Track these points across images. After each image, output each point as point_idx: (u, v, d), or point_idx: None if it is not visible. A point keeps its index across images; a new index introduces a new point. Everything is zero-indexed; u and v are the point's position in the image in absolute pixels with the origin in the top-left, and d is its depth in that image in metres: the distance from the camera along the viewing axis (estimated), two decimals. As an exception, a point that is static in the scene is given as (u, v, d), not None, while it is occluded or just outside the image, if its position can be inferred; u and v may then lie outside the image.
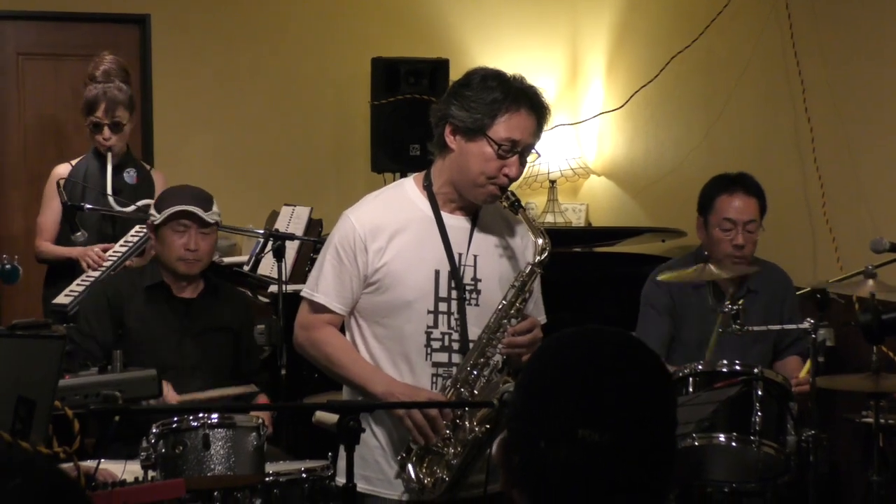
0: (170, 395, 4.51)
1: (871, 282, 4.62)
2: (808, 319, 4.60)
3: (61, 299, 5.40)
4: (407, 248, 3.72)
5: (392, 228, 3.72)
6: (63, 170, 5.89)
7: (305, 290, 3.83)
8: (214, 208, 4.93)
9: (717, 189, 5.06)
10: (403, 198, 3.79)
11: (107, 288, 5.01)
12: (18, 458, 1.58)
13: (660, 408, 1.89)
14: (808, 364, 4.74)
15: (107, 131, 5.77)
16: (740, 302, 4.74)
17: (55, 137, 6.97)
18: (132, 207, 5.65)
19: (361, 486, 3.68)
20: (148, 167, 6.05)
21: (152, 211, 4.91)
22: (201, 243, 4.88)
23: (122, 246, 5.58)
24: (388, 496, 3.74)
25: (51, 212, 5.86)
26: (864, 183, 6.16)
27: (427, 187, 3.77)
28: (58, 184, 5.68)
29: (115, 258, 5.53)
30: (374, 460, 3.75)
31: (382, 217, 3.74)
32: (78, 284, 5.45)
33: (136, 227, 5.64)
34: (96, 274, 5.47)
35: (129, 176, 5.86)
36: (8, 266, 4.85)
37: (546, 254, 3.71)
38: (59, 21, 7.40)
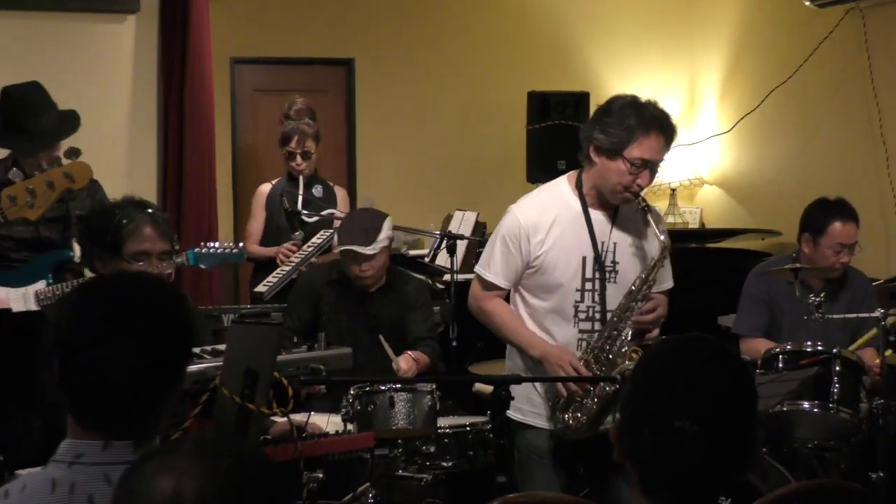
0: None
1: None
2: (880, 309, 4.48)
3: (260, 288, 5.44)
4: (561, 239, 3.72)
5: (549, 223, 3.72)
6: (265, 188, 5.94)
7: (479, 269, 3.86)
8: (381, 234, 4.75)
9: (830, 215, 4.85)
10: (559, 196, 3.78)
11: (310, 279, 5.03)
12: (228, 441, 1.61)
13: (743, 405, 1.87)
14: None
15: (299, 159, 5.75)
16: (822, 294, 4.66)
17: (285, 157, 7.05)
18: (319, 216, 5.69)
19: (516, 417, 3.77)
20: (331, 184, 6.01)
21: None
22: (371, 264, 4.75)
23: (309, 246, 5.58)
24: (538, 425, 3.79)
25: (257, 222, 5.89)
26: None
27: (578, 187, 3.76)
28: (280, 196, 5.76)
29: (302, 255, 5.53)
30: (528, 397, 3.78)
31: (541, 214, 3.74)
32: (273, 276, 5.47)
33: (322, 232, 5.64)
34: (287, 268, 5.49)
35: (317, 191, 5.84)
36: (235, 250, 4.94)
37: (666, 252, 3.71)
38: (284, 64, 7.49)
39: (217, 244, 4.75)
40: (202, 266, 4.68)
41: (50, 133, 4.71)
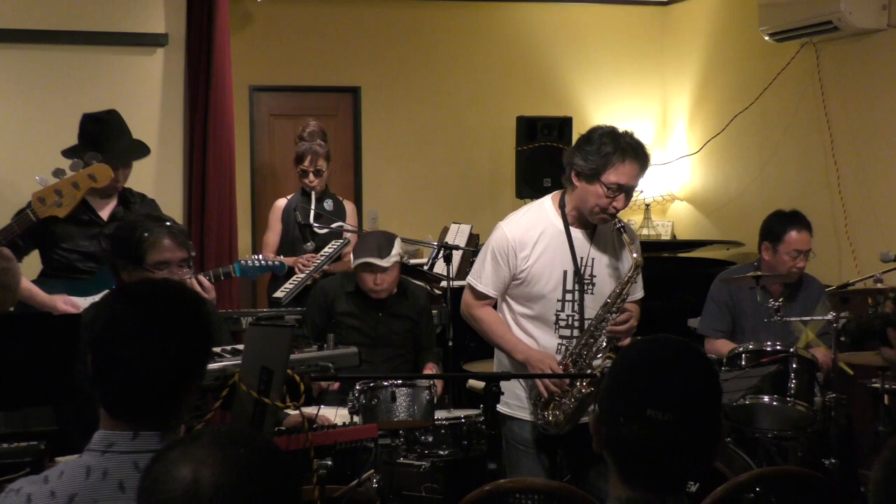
0: None
1: (878, 285, 4.50)
2: (832, 312, 4.49)
3: (278, 294, 5.43)
4: (545, 254, 3.72)
5: (534, 239, 3.71)
6: (281, 203, 5.93)
7: (471, 279, 3.86)
8: (394, 250, 4.73)
9: (787, 225, 4.85)
10: (543, 215, 3.77)
11: (323, 289, 5.01)
12: (243, 433, 1.60)
13: (709, 398, 1.87)
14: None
15: (311, 176, 5.74)
16: (780, 300, 4.67)
17: (299, 175, 7.01)
18: (329, 228, 5.66)
19: (504, 410, 3.78)
20: (340, 198, 5.99)
21: (351, 252, 4.82)
22: (385, 277, 4.75)
23: (321, 255, 5.56)
24: (523, 418, 3.80)
25: (273, 233, 5.87)
26: (877, 208, 6.02)
27: (561, 207, 3.75)
28: (294, 209, 5.75)
29: (316, 264, 5.51)
30: (514, 392, 3.79)
31: (527, 231, 3.73)
32: (290, 283, 5.46)
33: (332, 242, 5.61)
34: (302, 276, 5.46)
35: (328, 205, 5.82)
36: (277, 262, 4.93)
37: (639, 269, 3.69)
38: (297, 91, 7.48)
39: (261, 257, 4.79)
40: (247, 277, 4.70)
41: (127, 153, 4.83)
